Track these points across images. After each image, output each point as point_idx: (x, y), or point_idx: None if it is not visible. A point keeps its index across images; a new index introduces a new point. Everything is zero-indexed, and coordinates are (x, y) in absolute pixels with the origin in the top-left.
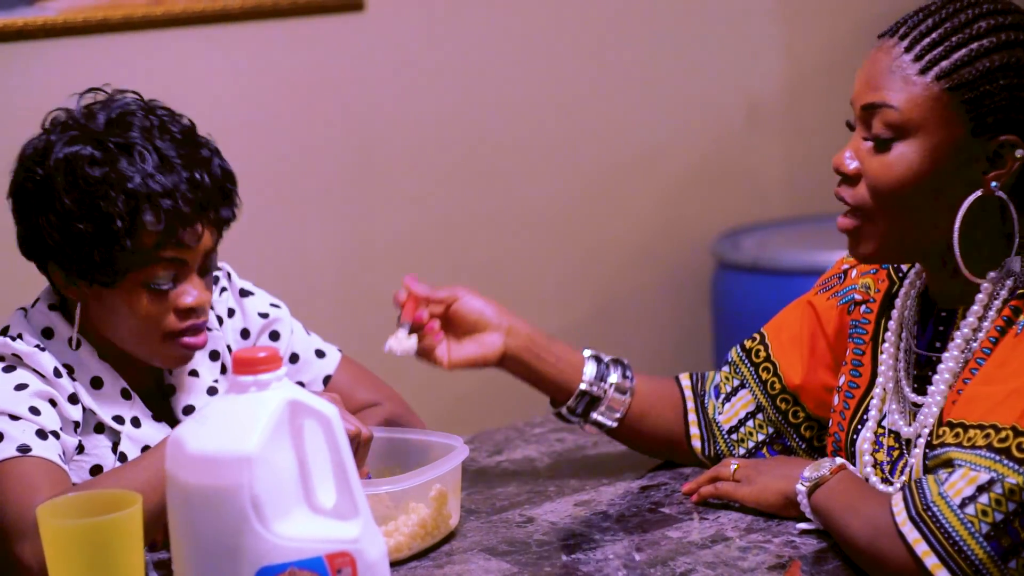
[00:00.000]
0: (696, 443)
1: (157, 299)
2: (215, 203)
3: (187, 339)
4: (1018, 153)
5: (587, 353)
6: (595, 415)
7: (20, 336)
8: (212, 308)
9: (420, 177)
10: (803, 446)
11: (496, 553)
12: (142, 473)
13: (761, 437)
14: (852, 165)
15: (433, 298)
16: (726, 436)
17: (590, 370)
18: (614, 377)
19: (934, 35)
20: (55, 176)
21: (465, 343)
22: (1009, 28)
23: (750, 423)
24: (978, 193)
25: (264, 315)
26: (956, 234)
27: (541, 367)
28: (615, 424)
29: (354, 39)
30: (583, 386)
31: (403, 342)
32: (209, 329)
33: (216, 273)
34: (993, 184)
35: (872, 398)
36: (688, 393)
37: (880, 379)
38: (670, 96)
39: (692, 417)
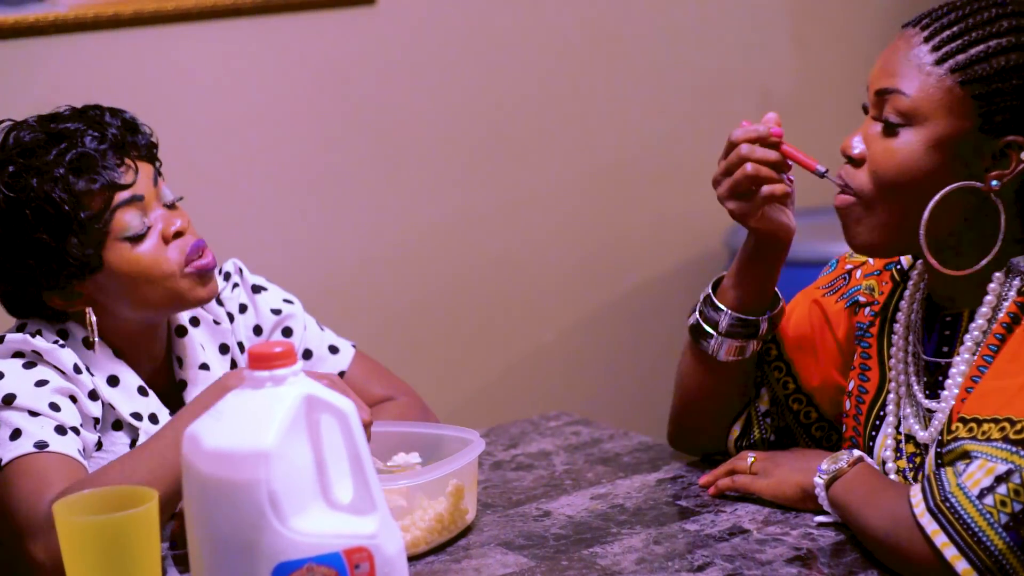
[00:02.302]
0: (736, 427)
1: (142, 242)
2: (128, 139)
3: (197, 263)
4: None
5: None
6: (740, 342)
7: (40, 332)
8: (222, 304)
9: (432, 170)
10: (812, 447)
11: (513, 547)
12: (145, 463)
13: (773, 438)
14: (858, 149)
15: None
16: (760, 419)
17: (776, 303)
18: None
19: (954, 28)
20: None
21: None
22: None
23: (768, 420)
24: (967, 184)
25: (276, 311)
26: (924, 221)
27: (769, 257)
28: (735, 359)
29: (365, 33)
30: (771, 313)
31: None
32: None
33: (228, 268)
34: (993, 183)
35: (887, 404)
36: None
37: (892, 384)
38: (682, 87)
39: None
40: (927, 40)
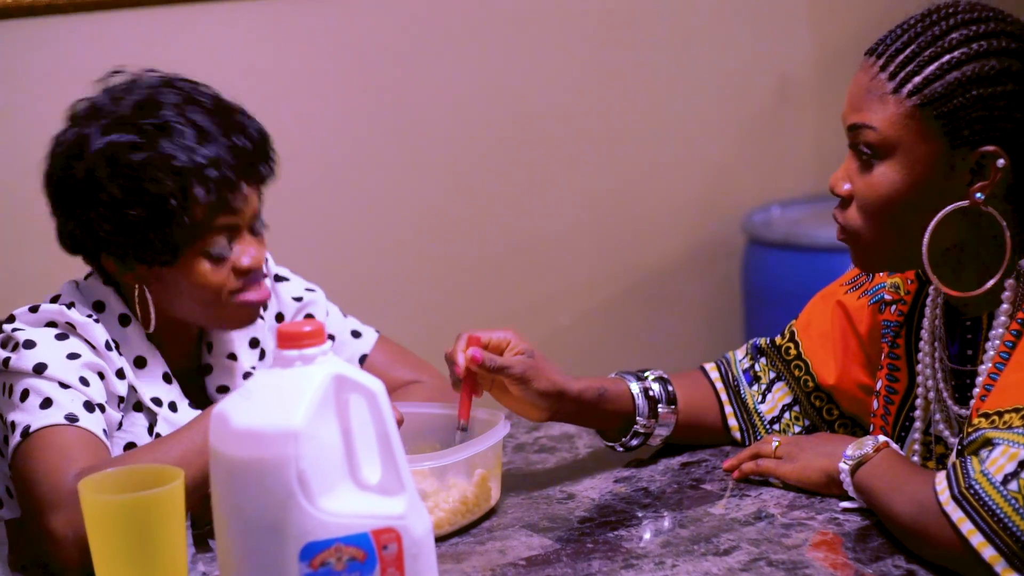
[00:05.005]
0: (736, 435)
1: (218, 265)
2: (257, 164)
3: (248, 295)
4: (999, 163)
5: (635, 390)
6: (646, 442)
7: (74, 304)
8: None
9: (451, 155)
10: None
11: (537, 529)
12: (176, 448)
13: (798, 429)
14: (845, 187)
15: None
16: (768, 427)
17: (641, 407)
18: (661, 406)
19: (907, 51)
20: (97, 168)
21: (507, 397)
22: (983, 37)
23: (787, 415)
24: (956, 206)
25: (298, 299)
26: (925, 243)
27: (589, 423)
28: (661, 443)
29: (393, 13)
30: (638, 428)
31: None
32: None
33: None
34: (978, 195)
35: (916, 408)
36: (719, 386)
37: (920, 390)
38: (701, 73)
39: (728, 409)
40: (883, 68)
